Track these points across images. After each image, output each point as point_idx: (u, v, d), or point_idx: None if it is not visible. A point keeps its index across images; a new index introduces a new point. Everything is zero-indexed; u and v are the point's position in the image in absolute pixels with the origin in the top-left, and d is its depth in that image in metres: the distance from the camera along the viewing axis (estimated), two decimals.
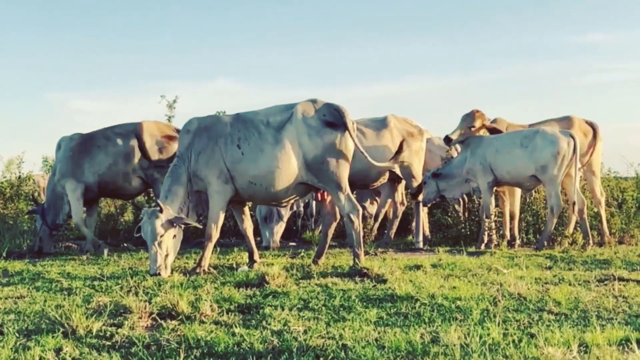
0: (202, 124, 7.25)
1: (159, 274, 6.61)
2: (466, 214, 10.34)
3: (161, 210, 6.74)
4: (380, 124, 9.38)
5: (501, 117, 10.07)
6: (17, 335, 4.42)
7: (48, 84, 34.00)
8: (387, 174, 9.36)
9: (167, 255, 6.76)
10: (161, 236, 6.70)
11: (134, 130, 9.30)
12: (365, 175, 9.04)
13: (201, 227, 7.33)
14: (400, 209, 9.93)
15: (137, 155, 9.20)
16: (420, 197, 9.53)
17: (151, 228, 6.71)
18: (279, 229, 9.56)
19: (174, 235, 6.86)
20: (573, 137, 8.80)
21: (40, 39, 31.15)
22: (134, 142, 9.21)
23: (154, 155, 9.22)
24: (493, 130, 9.52)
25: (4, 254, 8.49)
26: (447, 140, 9.40)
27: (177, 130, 9.45)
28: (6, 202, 11.90)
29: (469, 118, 9.43)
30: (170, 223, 6.78)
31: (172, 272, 6.79)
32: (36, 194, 12.23)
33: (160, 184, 9.08)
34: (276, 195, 7.11)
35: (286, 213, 9.72)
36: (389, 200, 10.09)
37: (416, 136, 9.58)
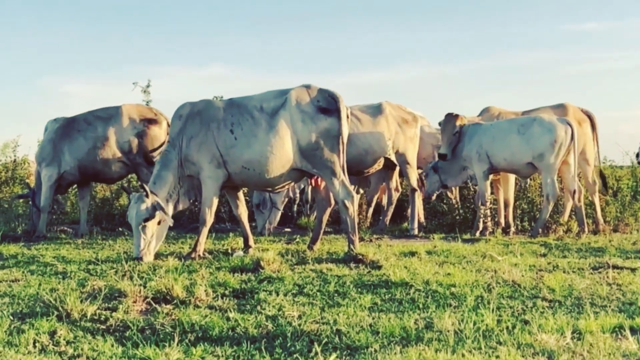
0: (195, 109, 7.21)
1: (141, 258, 6.61)
2: (460, 201, 10.34)
3: (147, 195, 6.73)
4: (376, 111, 9.34)
5: (492, 105, 10.05)
6: (11, 318, 4.43)
7: (43, 68, 33.83)
8: (382, 161, 9.34)
9: (150, 241, 6.75)
10: (145, 220, 6.70)
11: (114, 114, 9.27)
12: (360, 161, 9.02)
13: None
14: (395, 196, 9.92)
15: (118, 139, 9.17)
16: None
17: (136, 212, 6.71)
18: (273, 216, 9.53)
19: (159, 222, 6.84)
20: (571, 125, 8.77)
21: (34, 23, 30.95)
22: (113, 126, 9.18)
23: (133, 139, 9.20)
24: None
25: None
26: (443, 157, 9.25)
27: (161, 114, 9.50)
28: (1, 186, 11.88)
29: (449, 124, 9.30)
30: (155, 209, 6.76)
31: (167, 257, 6.77)
32: (31, 178, 12.19)
33: (143, 168, 9.11)
34: (269, 180, 7.09)
35: (281, 200, 9.68)
36: (381, 186, 10.07)
37: (410, 123, 9.55)
